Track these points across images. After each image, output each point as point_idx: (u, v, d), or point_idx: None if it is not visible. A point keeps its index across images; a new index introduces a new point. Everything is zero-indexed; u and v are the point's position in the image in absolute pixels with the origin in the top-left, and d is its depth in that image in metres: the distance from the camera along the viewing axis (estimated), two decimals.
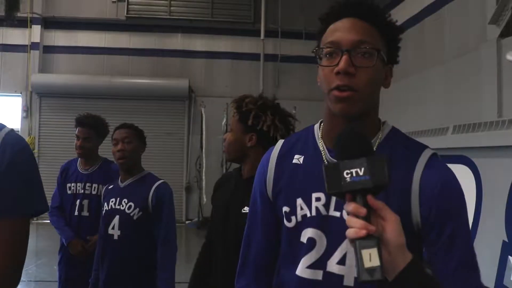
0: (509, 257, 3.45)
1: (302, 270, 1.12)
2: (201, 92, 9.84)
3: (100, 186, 3.20)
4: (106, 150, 3.15)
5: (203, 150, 9.32)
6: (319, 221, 1.10)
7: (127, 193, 2.63)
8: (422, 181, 1.04)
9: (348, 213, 0.88)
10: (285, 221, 1.16)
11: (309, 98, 9.75)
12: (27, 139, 9.19)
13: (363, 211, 0.86)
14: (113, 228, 2.56)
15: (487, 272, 3.65)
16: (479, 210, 3.95)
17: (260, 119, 1.99)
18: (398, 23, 1.16)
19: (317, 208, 1.11)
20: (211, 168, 9.36)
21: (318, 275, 1.10)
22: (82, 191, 3.22)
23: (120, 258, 2.53)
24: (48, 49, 9.72)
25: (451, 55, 5.54)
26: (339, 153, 0.92)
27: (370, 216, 0.86)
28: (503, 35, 4.45)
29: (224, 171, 9.40)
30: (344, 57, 1.04)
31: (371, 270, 0.81)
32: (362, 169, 0.86)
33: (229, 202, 1.98)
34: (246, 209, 1.86)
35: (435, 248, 1.04)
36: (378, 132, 1.13)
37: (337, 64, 1.04)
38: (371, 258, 0.82)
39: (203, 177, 9.30)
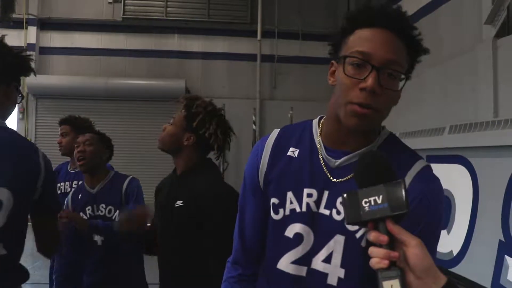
0: (506, 256, 3.46)
1: (286, 265, 1.12)
2: (198, 92, 9.79)
3: None
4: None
5: None
6: (308, 217, 1.09)
7: (101, 197, 2.63)
8: (409, 189, 1.01)
9: (369, 242, 0.86)
10: (272, 212, 1.15)
11: (306, 98, 9.76)
12: None
13: (384, 239, 0.84)
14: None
15: (484, 271, 3.66)
16: (476, 210, 3.97)
17: (204, 125, 2.07)
18: None
19: (307, 204, 1.10)
20: None
21: (302, 271, 1.10)
22: (70, 189, 3.21)
23: (104, 262, 2.54)
24: (44, 50, 9.69)
25: (448, 55, 5.56)
26: (358, 181, 0.90)
27: (393, 243, 0.83)
28: (498, 35, 4.46)
29: (221, 171, 9.39)
30: (373, 75, 1.00)
31: None
32: (381, 196, 0.84)
33: (167, 199, 2.04)
34: (178, 203, 1.93)
35: None
36: (377, 138, 1.12)
37: (364, 79, 1.00)
38: None
39: None
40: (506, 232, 3.50)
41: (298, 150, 1.17)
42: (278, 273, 1.13)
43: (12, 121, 9.72)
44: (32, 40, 9.49)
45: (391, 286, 0.80)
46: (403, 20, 1.05)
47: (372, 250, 0.84)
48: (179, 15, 9.85)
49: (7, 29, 9.09)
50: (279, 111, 9.56)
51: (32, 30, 9.50)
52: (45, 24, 9.68)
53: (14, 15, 7.33)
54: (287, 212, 1.12)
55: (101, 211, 2.60)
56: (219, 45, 9.97)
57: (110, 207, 2.61)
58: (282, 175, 1.15)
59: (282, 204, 1.13)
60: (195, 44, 9.97)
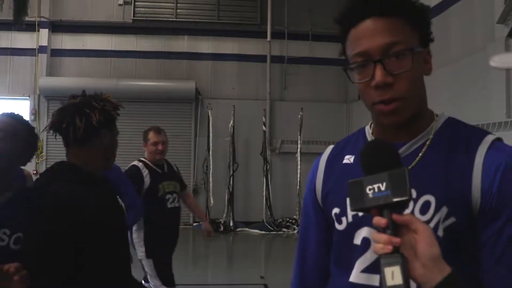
0: None
1: (356, 275, 1.03)
2: (208, 94, 9.85)
3: None
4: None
5: (210, 152, 9.32)
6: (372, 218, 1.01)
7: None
8: (485, 162, 0.95)
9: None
10: (336, 224, 1.09)
11: (316, 99, 9.75)
12: None
13: (382, 222, 0.83)
14: None
15: None
16: None
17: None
18: None
19: None
20: (218, 170, 9.37)
21: (374, 280, 1.00)
22: None
23: None
24: (56, 53, 9.78)
25: (459, 55, 5.51)
26: (363, 168, 0.90)
27: (397, 230, 0.82)
28: (511, 34, 4.41)
29: (231, 172, 9.41)
30: (378, 69, 0.95)
31: None
32: (384, 183, 0.84)
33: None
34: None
35: (484, 237, 0.94)
36: (432, 122, 1.05)
37: (373, 77, 0.96)
38: (393, 276, 0.79)
39: (210, 179, 9.30)
40: None
41: (353, 156, 1.11)
42: (351, 285, 1.04)
43: None
44: (44, 42, 9.58)
45: (392, 272, 0.79)
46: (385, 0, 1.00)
47: (375, 236, 0.84)
48: (189, 17, 9.89)
49: (20, 32, 9.25)
50: (289, 112, 9.55)
51: (44, 32, 9.60)
52: (57, 27, 9.78)
53: (26, 18, 7.41)
54: (350, 219, 1.06)
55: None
56: (229, 46, 9.99)
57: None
58: (339, 183, 1.10)
59: (343, 212, 1.07)
60: (205, 45, 10.00)
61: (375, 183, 0.85)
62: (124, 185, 3.38)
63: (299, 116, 9.22)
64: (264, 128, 9.53)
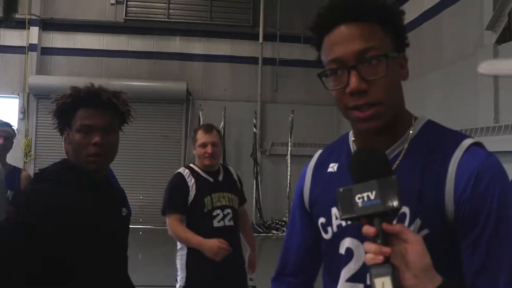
0: None
1: (342, 284, 1.04)
2: (199, 95, 9.84)
3: None
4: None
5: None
6: (355, 229, 0.99)
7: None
8: (459, 169, 0.93)
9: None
10: (322, 233, 1.10)
11: (307, 102, 9.77)
12: (23, 141, 9.17)
13: (370, 231, 0.82)
14: None
15: None
16: None
17: None
18: None
19: None
20: None
21: None
22: None
23: None
24: (46, 51, 9.71)
25: (449, 60, 5.56)
26: (352, 176, 0.88)
27: (387, 239, 0.82)
28: (499, 41, 4.47)
29: None
30: (352, 75, 0.94)
31: None
32: (374, 192, 0.83)
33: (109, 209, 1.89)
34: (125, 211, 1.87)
35: (463, 246, 0.93)
36: (410, 128, 1.03)
37: (347, 84, 0.95)
38: (384, 287, 0.78)
39: None
40: None
41: (337, 164, 1.11)
42: None
43: (12, 121, 9.73)
44: (34, 40, 9.51)
45: (383, 283, 0.78)
46: (357, 4, 0.98)
47: (365, 246, 0.83)
48: (181, 17, 9.88)
49: (10, 29, 9.17)
50: (280, 114, 9.57)
51: (34, 30, 9.53)
52: (47, 25, 9.71)
53: (16, 16, 7.35)
54: (335, 229, 1.06)
55: None
56: (221, 47, 9.99)
57: None
58: (325, 192, 1.10)
59: (329, 222, 1.07)
60: (197, 46, 9.99)
61: (365, 192, 0.84)
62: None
63: (289, 119, 9.25)
64: (254, 130, 9.55)
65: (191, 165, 3.00)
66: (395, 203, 0.81)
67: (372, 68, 0.94)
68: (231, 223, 2.87)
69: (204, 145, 2.90)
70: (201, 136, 2.94)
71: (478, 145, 0.98)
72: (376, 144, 1.00)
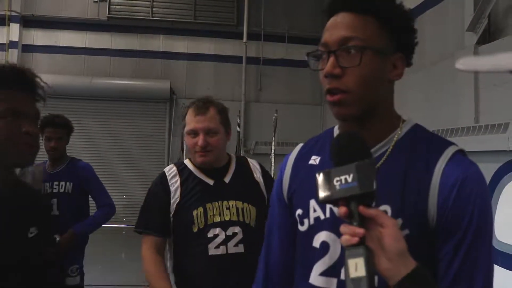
0: None
1: (314, 277, 1.05)
2: (183, 94, 9.80)
3: (68, 183, 3.22)
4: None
5: (184, 152, 9.27)
6: (333, 223, 1.01)
7: None
8: (442, 177, 0.95)
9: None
10: (298, 225, 1.10)
11: (291, 101, 9.79)
12: None
13: (342, 211, 0.84)
14: None
15: None
16: None
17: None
18: None
19: (331, 210, 1.03)
20: None
21: (332, 283, 1.02)
22: (50, 190, 3.22)
23: None
24: (27, 48, 9.56)
25: (431, 60, 5.63)
26: (332, 159, 0.89)
27: (363, 223, 0.83)
28: (480, 42, 4.54)
29: None
30: (330, 59, 0.99)
31: (356, 281, 0.78)
32: (351, 175, 0.84)
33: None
34: None
35: (440, 254, 0.95)
36: (396, 130, 1.05)
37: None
38: (357, 267, 0.79)
39: None
40: None
41: (319, 158, 1.12)
42: (310, 287, 1.05)
43: None
44: (14, 37, 9.35)
45: (356, 264, 0.79)
46: None
47: (342, 228, 0.84)
48: (165, 16, 9.81)
49: None
50: (264, 114, 9.57)
51: (15, 27, 9.37)
52: (28, 22, 9.55)
53: None
54: (312, 221, 1.07)
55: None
56: (205, 46, 9.96)
57: None
58: (304, 184, 1.11)
59: (306, 213, 1.08)
60: (181, 45, 9.94)
61: (343, 175, 0.84)
62: (95, 186, 3.37)
63: (273, 118, 9.25)
64: (238, 129, 9.53)
65: (186, 160, 2.09)
66: (371, 186, 0.82)
67: (350, 57, 0.98)
68: (240, 249, 1.85)
69: (193, 133, 1.95)
70: (190, 119, 1.98)
71: (461, 152, 1.00)
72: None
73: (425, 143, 1.02)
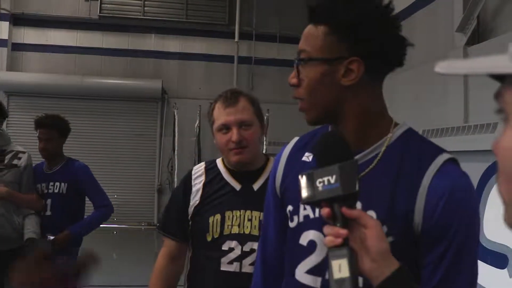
0: None
1: (301, 275, 1.06)
2: (174, 93, 9.78)
3: (62, 184, 3.21)
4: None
5: (175, 152, 9.25)
6: (322, 223, 0.98)
7: None
8: (430, 188, 0.95)
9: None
10: (289, 221, 1.11)
11: (283, 101, 9.78)
12: None
13: (325, 211, 0.84)
14: None
15: None
16: None
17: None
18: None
19: None
20: (183, 170, 9.28)
21: (317, 282, 1.03)
22: (46, 190, 3.21)
23: None
24: (17, 47, 9.49)
25: (421, 60, 5.67)
26: (317, 161, 0.90)
27: (346, 224, 0.83)
28: (469, 43, 4.58)
29: None
30: (294, 69, 1.07)
31: (340, 281, 0.79)
32: (334, 176, 0.84)
33: None
34: None
35: (424, 262, 0.95)
36: (387, 133, 1.04)
37: None
38: (340, 268, 0.79)
39: (175, 179, 9.22)
40: None
41: (312, 155, 1.12)
42: (296, 284, 1.07)
43: None
44: (4, 35, 9.28)
45: (340, 265, 0.79)
46: (312, 7, 1.06)
47: (325, 229, 0.84)
48: (157, 15, 9.79)
49: None
50: None
51: (4, 25, 9.29)
52: (18, 20, 9.48)
53: None
54: (301, 219, 1.08)
55: None
56: (197, 46, 9.95)
57: None
58: (295, 180, 1.08)
59: (296, 211, 1.09)
60: (172, 44, 9.92)
61: (325, 176, 0.85)
62: (91, 186, 3.34)
63: (265, 117, 9.26)
64: None
65: (218, 160, 1.84)
66: (354, 187, 0.83)
67: (303, 67, 1.05)
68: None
69: (225, 128, 1.68)
70: (219, 113, 1.72)
71: (452, 161, 0.99)
72: (352, 144, 1.02)
73: (416, 150, 1.01)
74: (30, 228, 2.98)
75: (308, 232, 1.06)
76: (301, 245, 1.07)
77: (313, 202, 0.87)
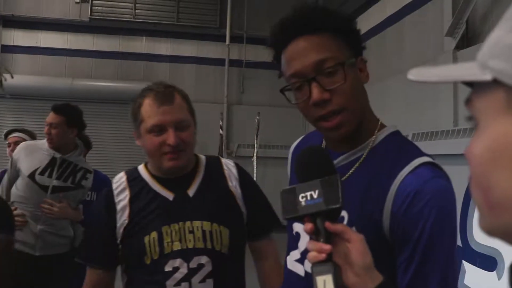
0: (463, 261, 3.57)
1: (291, 262, 1.13)
2: None
3: (93, 193, 3.33)
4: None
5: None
6: None
7: None
8: (400, 188, 0.93)
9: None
10: None
11: (273, 104, 9.82)
12: None
13: (307, 227, 0.83)
14: None
15: None
16: None
17: None
18: (361, 33, 1.09)
19: None
20: None
21: (301, 271, 1.08)
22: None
23: None
24: (7, 49, 9.41)
25: (411, 64, 5.71)
26: (297, 176, 0.89)
27: (330, 239, 0.82)
28: (458, 47, 4.63)
29: None
30: (314, 87, 0.97)
31: None
32: (316, 191, 0.83)
33: None
34: None
35: (397, 263, 0.95)
36: (374, 135, 1.04)
37: (310, 95, 0.98)
38: (325, 285, 0.78)
39: None
40: (463, 238, 3.62)
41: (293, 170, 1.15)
42: (287, 271, 1.14)
43: None
44: None
45: (324, 281, 0.78)
46: (309, 18, 1.01)
47: (309, 244, 0.83)
48: (148, 18, 9.77)
49: None
50: (246, 116, 9.59)
51: None
52: (8, 22, 9.41)
53: None
54: None
55: None
56: (187, 49, 9.94)
57: None
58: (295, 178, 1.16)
59: None
60: (163, 47, 9.90)
61: (308, 191, 0.84)
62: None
63: (256, 120, 9.28)
64: (221, 131, 9.53)
65: (140, 167, 1.64)
66: (337, 202, 0.82)
67: (331, 78, 0.97)
68: (209, 285, 1.39)
69: (158, 129, 1.47)
70: (151, 111, 1.50)
71: (430, 164, 0.97)
72: (341, 146, 1.05)
73: (397, 152, 1.00)
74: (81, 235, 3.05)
75: (295, 224, 1.13)
76: (292, 235, 1.14)
77: (295, 217, 0.86)
